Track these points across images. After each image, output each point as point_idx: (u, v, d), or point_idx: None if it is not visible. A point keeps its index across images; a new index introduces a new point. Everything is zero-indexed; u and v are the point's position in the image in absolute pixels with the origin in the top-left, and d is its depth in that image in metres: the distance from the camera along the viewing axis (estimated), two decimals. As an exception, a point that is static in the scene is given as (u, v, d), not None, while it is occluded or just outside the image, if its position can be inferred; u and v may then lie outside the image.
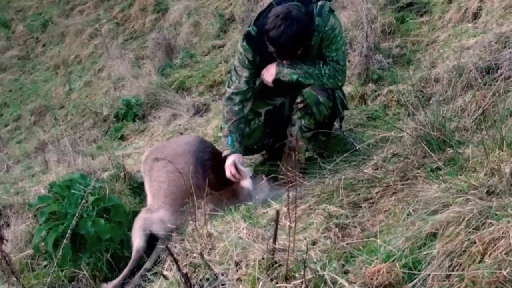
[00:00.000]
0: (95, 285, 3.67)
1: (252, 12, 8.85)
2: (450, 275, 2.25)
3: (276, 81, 4.13)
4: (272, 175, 4.12)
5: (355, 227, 3.02)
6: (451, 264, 2.29)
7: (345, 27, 6.26)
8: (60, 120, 10.37)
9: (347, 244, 2.83)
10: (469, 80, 4.50)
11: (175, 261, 2.64)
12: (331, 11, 4.04)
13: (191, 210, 3.43)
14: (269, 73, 4.13)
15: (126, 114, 8.57)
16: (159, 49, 9.90)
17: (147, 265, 3.67)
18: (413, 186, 3.08)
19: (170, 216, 3.87)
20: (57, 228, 3.70)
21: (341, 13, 6.70)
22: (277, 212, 2.49)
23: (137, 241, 3.77)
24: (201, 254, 2.89)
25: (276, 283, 2.47)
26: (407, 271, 2.37)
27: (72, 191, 3.92)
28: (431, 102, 4.52)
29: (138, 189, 4.63)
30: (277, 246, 2.58)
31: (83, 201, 3.68)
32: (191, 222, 3.45)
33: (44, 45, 15.21)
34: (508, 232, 2.22)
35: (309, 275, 2.37)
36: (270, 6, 4.07)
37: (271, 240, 2.57)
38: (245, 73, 4.18)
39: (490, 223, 2.34)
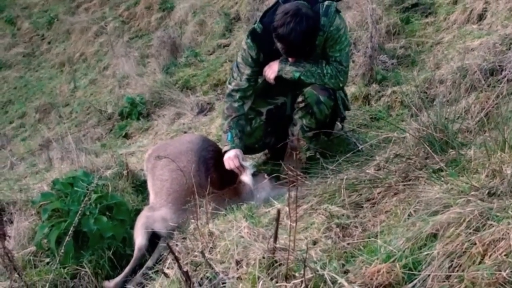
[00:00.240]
0: (97, 283, 3.67)
1: (257, 11, 8.87)
2: (450, 276, 2.25)
3: (278, 78, 4.14)
4: (275, 175, 4.12)
5: (356, 227, 3.02)
6: (451, 265, 2.29)
7: (350, 27, 6.27)
8: (64, 118, 10.40)
9: (348, 244, 2.83)
10: (473, 81, 4.50)
11: (176, 259, 2.65)
12: (337, 11, 4.05)
13: (193, 209, 3.44)
14: (271, 70, 4.14)
15: (131, 113, 8.60)
16: (164, 48, 9.91)
17: (149, 263, 3.69)
18: (414, 187, 3.08)
19: (172, 214, 3.88)
20: (60, 225, 3.71)
21: (346, 13, 6.70)
22: (278, 211, 2.49)
23: (139, 239, 3.78)
24: (202, 252, 2.89)
25: (276, 282, 2.47)
26: (407, 272, 2.36)
27: (75, 188, 3.94)
28: (434, 103, 4.51)
29: (141, 187, 4.64)
30: (277, 245, 2.58)
31: (86, 198, 3.69)
32: (193, 220, 3.45)
33: (49, 43, 15.25)
34: (508, 233, 2.22)
35: (309, 275, 2.37)
36: (276, 4, 4.07)
37: (272, 239, 2.57)
38: (247, 71, 4.19)
39: (491, 224, 2.34)
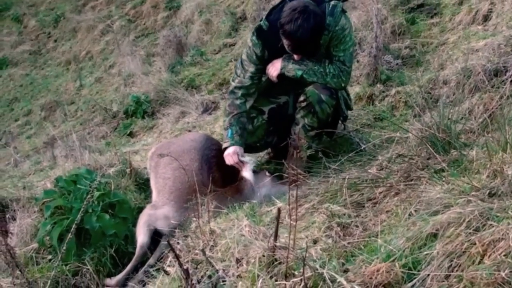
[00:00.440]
0: (98, 280, 3.68)
1: (263, 10, 8.86)
2: (449, 275, 2.25)
3: (280, 76, 4.14)
4: (277, 174, 4.13)
5: (357, 226, 3.02)
6: (451, 264, 2.29)
7: (355, 27, 6.26)
8: (70, 116, 10.42)
9: (348, 243, 2.83)
10: (477, 82, 4.49)
11: (177, 257, 2.66)
12: (343, 11, 4.05)
13: (195, 207, 3.44)
14: (274, 68, 4.15)
15: (136, 111, 8.61)
16: (169, 47, 9.92)
17: (151, 261, 3.69)
18: (416, 187, 3.08)
19: (175, 212, 3.88)
20: (62, 222, 3.72)
21: (351, 13, 6.70)
22: (279, 210, 2.50)
23: (141, 237, 3.78)
24: (203, 250, 2.90)
25: (276, 280, 2.47)
26: (407, 271, 2.37)
27: (78, 186, 3.95)
28: (438, 103, 4.51)
29: (143, 185, 4.65)
30: (278, 244, 2.58)
31: (89, 196, 3.70)
32: (194, 219, 3.46)
33: (55, 41, 15.26)
34: (508, 234, 2.22)
35: (308, 273, 2.38)
36: (282, 2, 4.09)
37: (272, 237, 2.58)
38: (251, 68, 4.20)
39: (491, 224, 2.34)
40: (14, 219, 4.29)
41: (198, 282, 2.74)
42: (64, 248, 3.46)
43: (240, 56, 4.37)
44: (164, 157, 4.00)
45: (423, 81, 5.13)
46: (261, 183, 4.13)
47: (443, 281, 2.25)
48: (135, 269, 3.68)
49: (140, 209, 4.12)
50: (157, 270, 3.46)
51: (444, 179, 2.97)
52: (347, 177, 3.42)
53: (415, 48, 6.16)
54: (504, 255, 2.16)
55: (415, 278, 2.33)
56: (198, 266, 3.01)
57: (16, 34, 16.18)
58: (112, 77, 11.70)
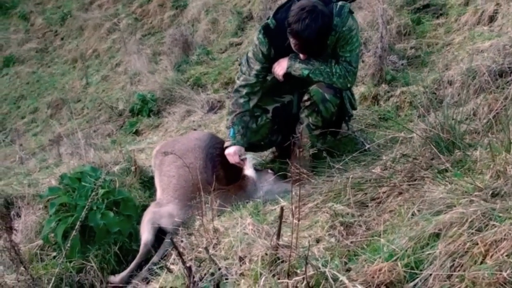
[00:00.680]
0: (102, 277, 3.68)
1: (270, 10, 8.87)
2: (451, 275, 2.26)
3: (286, 76, 4.15)
4: (281, 173, 4.14)
5: (360, 226, 3.02)
6: (453, 264, 2.30)
7: (360, 27, 6.25)
8: (76, 114, 10.45)
9: (351, 242, 2.84)
10: (482, 83, 4.49)
11: (180, 254, 2.67)
12: (351, 12, 4.06)
13: (199, 205, 3.45)
14: (281, 67, 4.15)
15: (141, 109, 8.63)
16: (176, 45, 9.94)
17: (155, 259, 3.69)
18: (419, 187, 3.08)
19: (179, 210, 3.89)
20: (67, 219, 3.73)
21: (357, 13, 6.69)
22: (281, 208, 2.51)
23: (146, 234, 3.79)
24: (206, 248, 2.91)
25: (278, 278, 2.48)
26: (409, 271, 2.37)
27: (83, 183, 3.95)
28: (443, 104, 4.50)
29: (148, 183, 4.66)
30: (281, 242, 2.59)
31: (93, 193, 3.71)
32: (198, 217, 3.47)
33: (62, 39, 15.32)
34: (510, 234, 2.23)
35: (310, 272, 2.38)
36: (290, 1, 4.09)
37: (275, 236, 2.59)
38: (256, 66, 4.21)
39: (493, 224, 2.34)
40: (19, 216, 4.30)
41: (201, 279, 2.75)
42: (69, 245, 3.47)
43: (246, 54, 4.37)
44: (168, 155, 4.01)
45: (428, 82, 5.13)
46: (264, 179, 4.15)
47: (445, 280, 2.25)
48: (139, 267, 3.68)
49: (144, 207, 4.13)
50: (161, 267, 3.47)
51: (447, 179, 2.98)
52: (351, 176, 3.42)
53: (420, 48, 6.15)
54: (506, 255, 2.17)
55: (417, 277, 2.34)
56: (202, 264, 3.03)
57: (23, 32, 16.24)
58: (118, 75, 11.74)
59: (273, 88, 4.35)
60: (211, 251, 2.99)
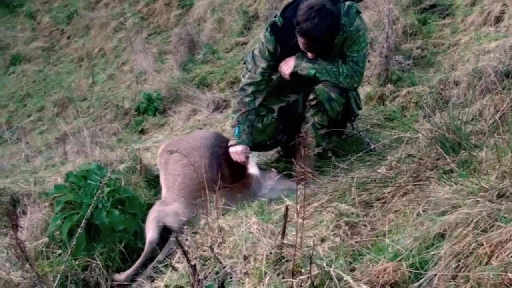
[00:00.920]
0: (107, 275, 3.69)
1: (276, 9, 8.86)
2: (456, 276, 2.26)
3: (293, 75, 4.15)
4: (287, 172, 4.14)
5: (365, 225, 3.02)
6: (458, 265, 2.29)
7: (366, 27, 6.25)
8: (82, 112, 10.46)
9: (356, 242, 2.84)
10: (488, 84, 4.47)
11: (185, 253, 2.68)
12: (358, 12, 4.05)
13: (204, 204, 3.46)
14: (287, 66, 4.15)
15: (147, 108, 8.65)
16: (182, 45, 9.95)
17: (160, 257, 3.69)
18: (424, 187, 3.08)
19: (184, 209, 3.90)
20: (72, 217, 3.74)
21: (363, 13, 6.63)
22: (286, 208, 2.51)
23: (151, 233, 3.80)
24: (211, 247, 2.91)
25: (283, 277, 2.48)
26: (414, 271, 2.37)
27: (88, 181, 3.96)
28: (449, 104, 4.49)
29: (153, 182, 4.67)
30: (285, 241, 2.60)
31: (99, 191, 3.70)
32: (203, 215, 3.48)
33: (69, 37, 15.35)
34: (515, 235, 2.23)
35: (315, 271, 2.39)
36: (297, 0, 4.08)
37: (280, 235, 2.59)
38: (262, 64, 4.20)
39: (499, 225, 2.34)
40: (25, 214, 4.30)
41: (205, 278, 2.76)
42: (74, 243, 3.46)
43: (251, 51, 4.37)
44: (174, 153, 4.01)
45: (434, 82, 5.11)
46: (268, 177, 4.16)
47: (450, 281, 2.26)
48: (144, 265, 3.68)
49: (149, 205, 4.13)
50: (166, 266, 3.48)
51: (453, 179, 2.97)
52: (356, 176, 3.43)
53: (426, 48, 6.14)
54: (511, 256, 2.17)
55: (422, 278, 2.34)
56: (206, 263, 3.03)
57: (29, 31, 16.29)
58: (124, 74, 11.76)
59: (279, 87, 4.35)
60: (216, 249, 3.00)
